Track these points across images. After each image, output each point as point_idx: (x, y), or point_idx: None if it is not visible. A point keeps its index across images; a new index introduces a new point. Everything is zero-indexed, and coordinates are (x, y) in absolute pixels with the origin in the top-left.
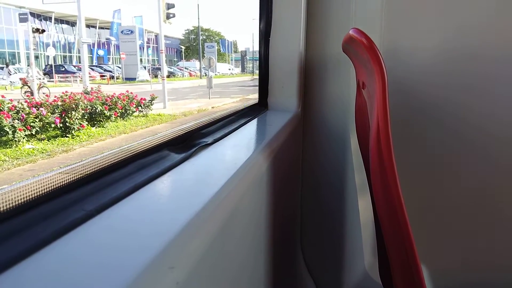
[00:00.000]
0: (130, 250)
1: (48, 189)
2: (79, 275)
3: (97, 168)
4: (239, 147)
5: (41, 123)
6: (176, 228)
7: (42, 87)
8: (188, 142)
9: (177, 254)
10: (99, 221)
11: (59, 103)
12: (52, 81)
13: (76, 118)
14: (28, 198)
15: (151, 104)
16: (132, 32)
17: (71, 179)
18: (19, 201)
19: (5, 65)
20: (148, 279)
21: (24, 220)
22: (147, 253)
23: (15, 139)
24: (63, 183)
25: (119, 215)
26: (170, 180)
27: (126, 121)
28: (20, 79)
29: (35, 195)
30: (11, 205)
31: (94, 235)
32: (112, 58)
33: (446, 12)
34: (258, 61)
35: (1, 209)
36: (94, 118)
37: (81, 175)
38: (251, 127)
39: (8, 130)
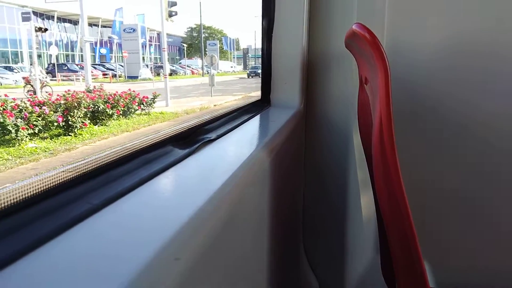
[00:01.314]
0: (135, 242)
1: (53, 184)
2: (85, 268)
3: (102, 163)
4: (242, 143)
5: (44, 121)
6: (180, 222)
7: (44, 86)
8: (192, 138)
9: (182, 247)
10: (105, 215)
11: (62, 101)
12: (55, 80)
13: (79, 117)
14: (34, 192)
15: (153, 102)
16: (134, 30)
17: (76, 174)
18: (26, 196)
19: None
20: (154, 270)
21: (30, 214)
22: (153, 245)
23: (18, 138)
24: (69, 177)
25: (124, 209)
26: (174, 175)
27: (128, 119)
28: (23, 78)
29: (41, 189)
30: (17, 200)
31: (100, 228)
32: (115, 56)
33: (449, 8)
34: (260, 59)
35: (8, 204)
36: (96, 117)
37: (86, 170)
38: (254, 123)
39: (11, 129)
